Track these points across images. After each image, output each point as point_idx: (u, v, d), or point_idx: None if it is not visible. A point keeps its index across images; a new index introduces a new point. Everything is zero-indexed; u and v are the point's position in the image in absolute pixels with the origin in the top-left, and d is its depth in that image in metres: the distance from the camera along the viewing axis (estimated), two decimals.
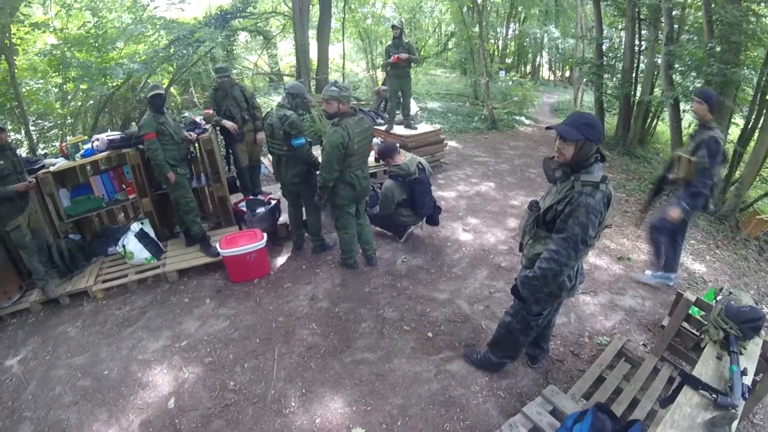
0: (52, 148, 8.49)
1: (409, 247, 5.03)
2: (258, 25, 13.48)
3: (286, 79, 15.15)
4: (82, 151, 4.81)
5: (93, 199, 4.93)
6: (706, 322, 2.71)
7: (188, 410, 3.09)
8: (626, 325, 3.81)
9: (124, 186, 5.06)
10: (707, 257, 5.24)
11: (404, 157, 4.81)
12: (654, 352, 3.12)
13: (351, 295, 4.23)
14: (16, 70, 7.34)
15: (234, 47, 13.77)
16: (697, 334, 2.93)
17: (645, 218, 4.59)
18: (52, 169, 4.61)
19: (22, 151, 7.60)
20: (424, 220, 5.05)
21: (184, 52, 9.01)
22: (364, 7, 16.68)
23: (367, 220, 4.58)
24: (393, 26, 7.37)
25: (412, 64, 7.62)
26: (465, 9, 14.98)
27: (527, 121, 12.37)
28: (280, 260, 4.88)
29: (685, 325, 3.06)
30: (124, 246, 4.64)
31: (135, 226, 4.78)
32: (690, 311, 2.97)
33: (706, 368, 2.35)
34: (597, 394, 2.82)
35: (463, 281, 4.39)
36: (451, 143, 9.10)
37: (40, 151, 7.94)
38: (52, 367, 3.62)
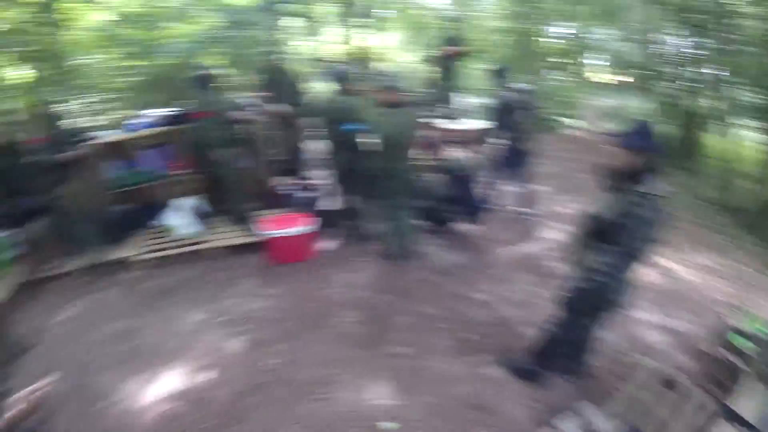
0: (102, 121, 8.78)
1: (452, 243, 4.93)
2: (306, 10, 13.53)
3: (333, 65, 15.15)
4: (132, 125, 4.94)
5: (141, 173, 5.06)
6: (752, 354, 2.58)
7: (221, 385, 3.14)
8: (666, 345, 3.62)
9: (172, 162, 5.16)
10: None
11: (453, 152, 4.72)
12: (691, 378, 2.96)
13: (391, 287, 4.19)
14: (67, 44, 7.60)
15: (283, 32, 13.87)
16: (741, 365, 2.79)
17: None
18: (102, 140, 4.75)
19: (72, 123, 7.87)
20: (468, 216, 4.94)
21: (236, 34, 9.12)
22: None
23: (411, 213, 4.51)
24: (444, 18, 7.25)
25: (461, 56, 7.52)
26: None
27: (576, 124, 12.02)
28: (324, 246, 4.86)
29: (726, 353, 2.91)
30: (170, 219, 4.76)
31: (183, 201, 4.90)
32: (733, 339, 2.82)
33: (747, 403, 2.22)
34: (631, 415, 2.69)
35: (505, 284, 4.28)
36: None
37: (90, 123, 8.21)
38: (90, 331, 3.72)
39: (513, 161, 5.18)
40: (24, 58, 7.66)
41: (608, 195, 2.37)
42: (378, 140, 3.80)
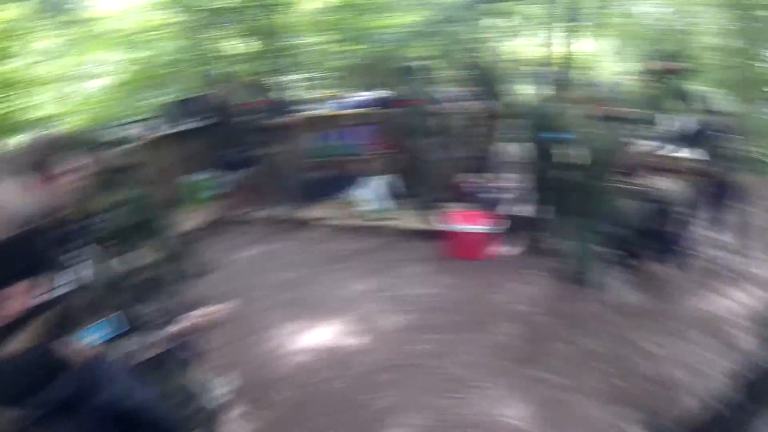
0: (316, 95, 9.79)
1: (638, 281, 4.43)
2: (514, 10, 13.26)
3: (538, 68, 14.74)
4: (344, 103, 5.47)
5: (344, 146, 5.61)
6: None
7: (365, 353, 3.35)
8: None
9: (374, 142, 5.59)
10: None
11: (660, 180, 4.25)
12: None
13: (558, 309, 3.99)
14: (289, 24, 8.61)
15: (490, 30, 13.83)
16: None
17: None
18: (315, 112, 5.35)
19: (286, 95, 8.90)
20: (662, 256, 4.43)
21: (444, 29, 9.33)
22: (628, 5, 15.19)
23: (601, 237, 4.13)
24: (665, 30, 6.58)
25: (677, 75, 6.76)
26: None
27: None
28: (502, 250, 4.79)
29: None
30: (360, 193, 5.18)
31: (375, 179, 5.31)
32: None
33: None
34: None
35: (679, 341, 3.77)
36: None
37: (305, 96, 9.22)
38: (265, 273, 4.24)
39: (719, 201, 4.55)
40: (246, 34, 8.90)
41: None
42: (579, 153, 3.62)
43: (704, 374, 3.47)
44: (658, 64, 6.42)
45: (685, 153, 6.51)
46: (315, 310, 3.82)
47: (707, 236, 5.27)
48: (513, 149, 4.80)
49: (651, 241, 4.27)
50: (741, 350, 3.77)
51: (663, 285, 4.48)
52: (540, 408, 3.04)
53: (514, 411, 3.00)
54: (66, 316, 1.28)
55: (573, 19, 10.80)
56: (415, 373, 3.23)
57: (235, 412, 2.87)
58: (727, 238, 4.70)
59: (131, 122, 5.65)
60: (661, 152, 6.26)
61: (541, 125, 4.00)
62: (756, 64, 11.85)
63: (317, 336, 3.54)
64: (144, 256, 3.12)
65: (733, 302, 4.36)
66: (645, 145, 6.47)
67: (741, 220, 4.50)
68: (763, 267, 5.09)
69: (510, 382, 3.22)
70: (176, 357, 1.93)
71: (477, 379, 3.21)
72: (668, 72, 6.54)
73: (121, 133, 2.71)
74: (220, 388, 2.93)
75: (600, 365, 3.45)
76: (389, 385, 3.11)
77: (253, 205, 5.50)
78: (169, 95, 10.08)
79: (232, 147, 5.61)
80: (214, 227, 5.31)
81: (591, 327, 3.83)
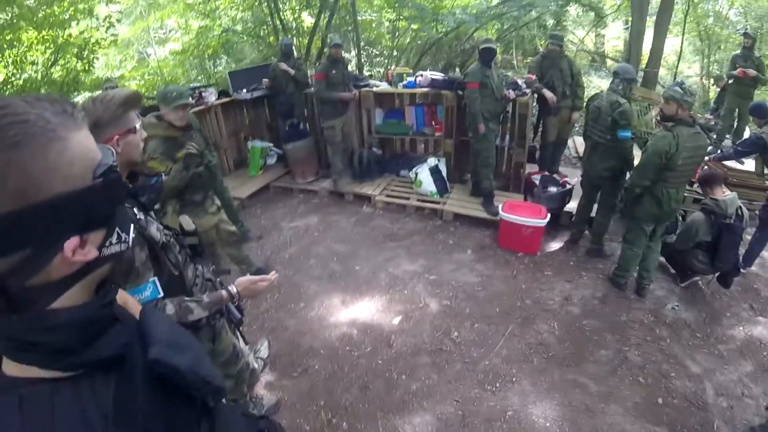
0: (376, 72, 9.78)
1: (686, 296, 4.30)
2: (592, 0, 12.62)
3: (609, 62, 14.05)
4: (405, 82, 5.45)
5: (402, 125, 5.61)
6: None
7: (407, 334, 3.43)
8: None
9: (433, 123, 5.59)
10: None
11: (725, 194, 4.02)
12: None
13: (605, 315, 3.92)
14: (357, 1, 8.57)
15: (564, 18, 13.27)
16: None
17: None
18: (375, 89, 5.38)
19: (355, 70, 8.91)
20: (717, 275, 4.23)
21: (515, 13, 9.08)
22: (708, 3, 14.02)
23: (658, 246, 4.06)
24: (745, 34, 6.23)
25: (758, 84, 6.27)
26: None
27: None
28: (552, 246, 4.75)
29: None
30: (416, 174, 5.21)
31: (431, 161, 5.30)
32: None
33: None
34: None
35: (722, 364, 3.60)
36: None
37: (365, 72, 9.21)
38: (316, 244, 4.38)
39: None
40: (317, 7, 8.91)
41: None
42: (658, 159, 3.44)
43: (743, 402, 3.31)
44: (745, 72, 5.99)
45: (753, 166, 6.10)
46: (362, 285, 3.93)
47: (764, 259, 4.95)
48: (582, 144, 4.62)
49: (715, 258, 4.04)
50: None
51: (719, 306, 4.26)
52: (571, 412, 3.05)
53: (544, 411, 3.02)
54: (116, 272, 1.37)
55: (653, 15, 10.21)
56: (454, 359, 3.28)
57: (271, 377, 2.98)
58: None
59: (197, 87, 5.87)
60: (740, 167, 5.89)
61: (614, 122, 3.86)
62: None
63: (361, 311, 3.65)
64: (200, 217, 3.33)
65: None
66: (717, 156, 6.13)
67: None
68: None
69: (546, 381, 3.22)
70: (223, 319, 2.01)
71: (513, 374, 3.23)
72: (753, 79, 6.10)
73: (187, 96, 2.78)
74: (262, 351, 3.06)
75: (640, 379, 3.39)
76: (426, 368, 3.18)
77: (311, 176, 5.64)
78: (235, 63, 10.41)
79: (294, 117, 5.75)
80: (271, 195, 5.48)
81: (637, 337, 3.75)
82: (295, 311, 3.57)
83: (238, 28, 9.94)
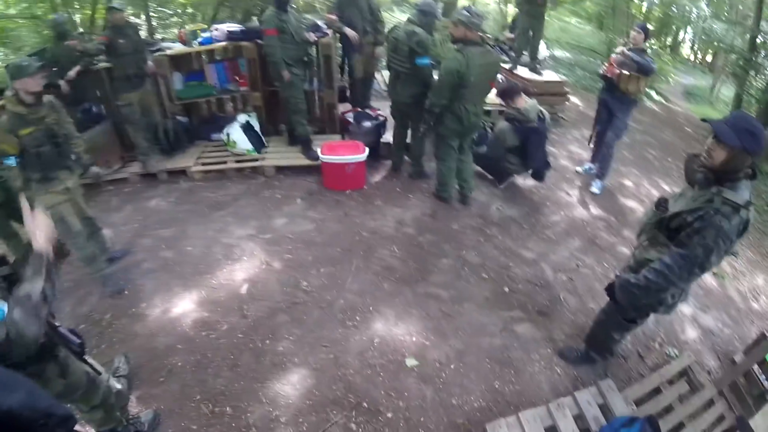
0: (171, 34, 8.86)
1: (508, 196, 4.80)
2: None
3: None
4: (200, 39, 4.96)
5: (205, 86, 5.12)
6: None
7: (258, 299, 3.24)
8: (699, 345, 3.42)
9: (237, 78, 5.19)
10: None
11: (525, 102, 4.47)
12: (716, 384, 2.79)
13: (438, 228, 4.15)
14: None
15: None
16: (765, 383, 2.65)
17: None
18: (168, 52, 4.79)
19: (144, 34, 7.94)
20: (530, 172, 4.77)
21: None
22: None
23: (470, 158, 4.40)
24: None
25: (548, 4, 7.05)
26: None
27: (656, 97, 11.22)
28: (376, 178, 4.87)
29: (756, 369, 2.72)
30: (228, 134, 4.83)
31: (242, 118, 4.94)
32: (767, 357, 2.64)
33: (764, 423, 2.10)
34: (649, 405, 2.59)
35: (553, 246, 4.16)
36: (573, 99, 8.25)
37: (158, 36, 8.29)
38: (140, 235, 3.88)
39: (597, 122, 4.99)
40: None
41: (692, 190, 2.07)
42: (451, 78, 3.62)
43: (578, 273, 3.88)
44: None
45: (550, 76, 6.92)
46: (199, 265, 3.57)
47: (579, 153, 5.71)
48: (388, 77, 4.72)
49: (525, 159, 4.56)
50: (606, 250, 4.23)
51: (537, 199, 4.86)
52: (431, 321, 3.19)
53: (407, 328, 3.11)
54: None
55: None
56: (310, 309, 3.19)
57: (140, 391, 2.63)
58: (597, 154, 5.13)
59: None
60: (537, 78, 6.60)
61: (415, 52, 3.96)
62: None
63: (205, 291, 3.31)
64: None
65: (603, 210, 4.86)
66: (522, 72, 6.79)
67: (612, 140, 4.88)
68: (631, 180, 5.69)
69: (401, 301, 3.32)
70: (65, 350, 1.79)
71: (369, 304, 3.27)
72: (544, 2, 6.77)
73: None
74: (121, 369, 2.65)
75: (484, 275, 3.68)
76: (287, 326, 3.05)
77: (117, 163, 4.87)
78: (14, 54, 8.60)
79: (85, 101, 4.83)
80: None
81: (471, 241, 4.05)
82: (139, 314, 3.10)
83: (12, 11, 8.15)
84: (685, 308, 3.70)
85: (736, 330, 3.69)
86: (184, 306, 3.18)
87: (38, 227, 1.56)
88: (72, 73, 4.33)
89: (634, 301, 2.27)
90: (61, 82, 4.31)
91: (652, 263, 2.14)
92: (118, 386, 2.21)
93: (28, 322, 1.33)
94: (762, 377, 2.71)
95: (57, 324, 1.81)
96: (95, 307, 3.12)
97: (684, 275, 2.02)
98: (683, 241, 1.99)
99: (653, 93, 11.16)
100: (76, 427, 0.89)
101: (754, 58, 9.41)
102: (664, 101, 11.26)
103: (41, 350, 1.57)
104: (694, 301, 3.82)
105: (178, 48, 4.93)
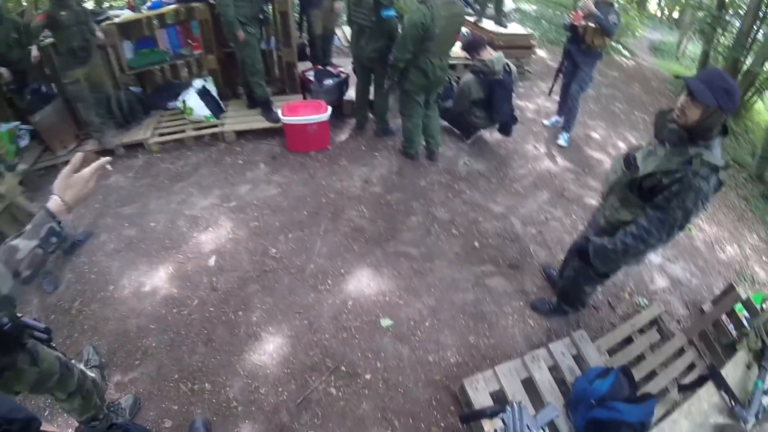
0: (118, 2, 8.35)
1: (475, 150, 4.77)
2: None
3: None
4: (149, 4, 4.69)
5: (157, 53, 4.86)
6: (748, 326, 2.51)
7: (227, 270, 3.16)
8: (668, 294, 3.51)
9: (190, 41, 4.94)
10: None
11: (491, 54, 4.39)
12: (686, 333, 2.88)
13: (405, 185, 4.12)
14: None
15: None
16: (734, 333, 2.73)
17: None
18: (116, 20, 4.50)
19: (87, 5, 7.47)
20: (497, 127, 4.72)
21: None
22: None
23: (436, 113, 4.31)
24: None
25: None
26: None
27: (624, 51, 11.28)
28: (340, 137, 4.77)
29: (725, 318, 2.81)
30: (184, 101, 4.62)
31: (197, 83, 4.71)
32: (735, 307, 2.71)
33: (734, 372, 2.14)
34: (621, 354, 2.65)
35: (521, 199, 4.17)
36: (539, 52, 8.23)
37: (105, 5, 7.80)
38: (101, 215, 3.71)
39: (562, 74, 4.96)
40: None
41: (663, 148, 2.01)
42: (415, 30, 3.51)
43: (547, 225, 3.92)
44: None
45: (516, 29, 6.82)
46: (164, 240, 3.43)
47: (547, 105, 5.67)
48: (349, 32, 4.57)
49: (491, 113, 4.50)
50: (567, 198, 4.26)
51: (504, 153, 4.83)
52: (403, 280, 3.18)
53: (380, 287, 3.10)
54: None
55: None
56: (281, 275, 3.13)
57: (117, 376, 2.55)
58: (565, 107, 5.11)
59: None
60: (502, 30, 6.49)
61: (376, 5, 3.82)
62: None
63: (172, 267, 3.20)
64: None
65: (571, 163, 4.88)
66: (487, 25, 6.66)
67: (578, 92, 4.87)
68: (599, 134, 5.72)
69: (372, 262, 3.29)
70: (31, 335, 1.70)
71: (339, 266, 3.23)
72: None
73: None
74: (91, 359, 2.56)
75: (454, 231, 3.67)
76: (258, 295, 2.99)
77: (72, 143, 4.59)
78: None
79: (31, 81, 4.49)
80: (36, 183, 4.36)
81: (439, 197, 4.02)
82: (107, 298, 2.97)
83: None
84: (653, 258, 3.79)
85: (703, 280, 3.78)
86: (153, 284, 3.07)
87: (72, 185, 1.44)
88: (35, 53, 4.01)
89: (610, 264, 2.26)
90: (2, 69, 4.01)
91: (628, 226, 2.11)
92: (92, 375, 2.12)
93: (3, 277, 1.20)
94: (730, 326, 2.79)
95: (19, 315, 1.69)
96: (62, 296, 2.97)
97: (663, 237, 2.00)
98: (660, 204, 1.96)
99: (620, 47, 11.20)
100: (49, 427, 0.82)
101: (722, 15, 9.46)
102: (630, 55, 11.31)
103: (8, 340, 1.53)
104: (663, 251, 3.89)
105: (126, 15, 4.64)
